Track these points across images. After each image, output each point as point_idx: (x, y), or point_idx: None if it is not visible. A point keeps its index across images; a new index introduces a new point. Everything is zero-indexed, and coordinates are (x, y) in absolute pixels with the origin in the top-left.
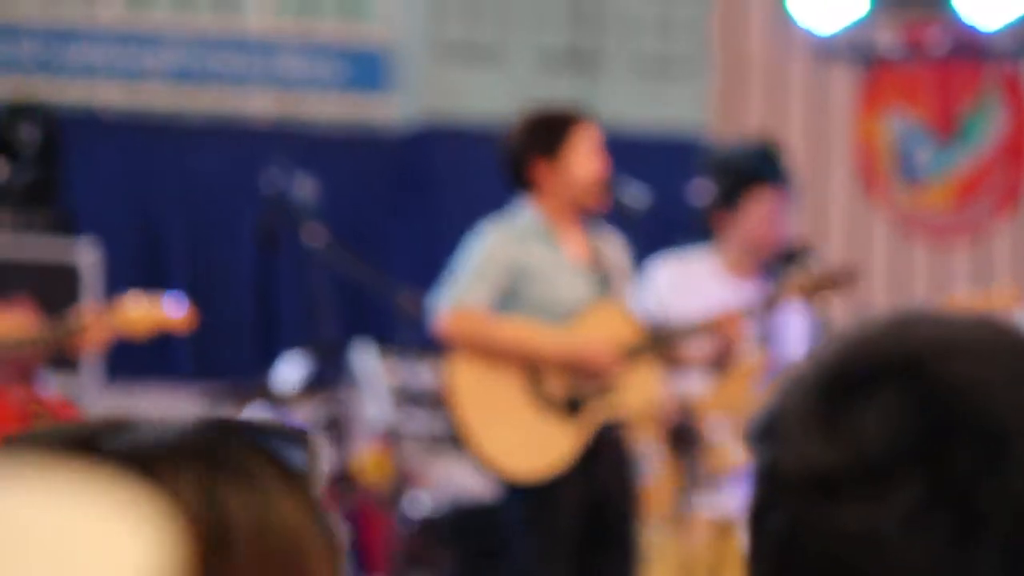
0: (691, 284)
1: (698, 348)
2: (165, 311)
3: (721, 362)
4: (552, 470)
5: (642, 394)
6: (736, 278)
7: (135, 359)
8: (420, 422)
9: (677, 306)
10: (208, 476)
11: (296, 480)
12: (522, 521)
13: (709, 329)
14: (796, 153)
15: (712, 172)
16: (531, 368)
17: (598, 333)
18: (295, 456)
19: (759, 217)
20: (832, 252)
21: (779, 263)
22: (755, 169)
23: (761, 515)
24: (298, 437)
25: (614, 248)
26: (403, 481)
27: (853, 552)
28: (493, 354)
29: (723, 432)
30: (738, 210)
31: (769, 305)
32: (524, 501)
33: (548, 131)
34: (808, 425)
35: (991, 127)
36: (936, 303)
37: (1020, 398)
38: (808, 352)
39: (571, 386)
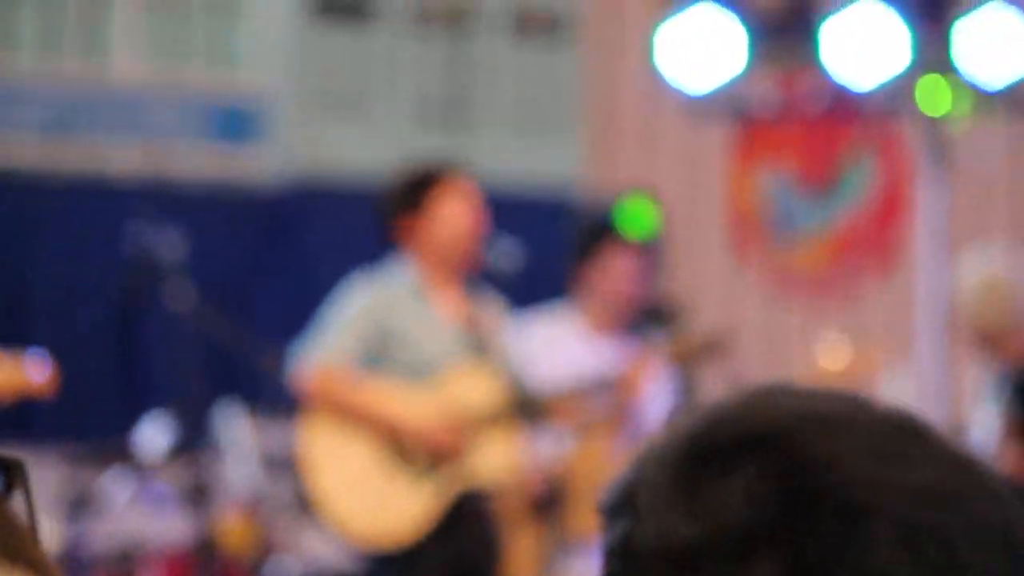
0: (556, 344)
1: (586, 407)
2: (26, 374)
3: (615, 420)
4: (405, 535)
5: (502, 460)
6: (599, 336)
7: None
8: (287, 487)
9: (545, 367)
10: None
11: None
12: None
13: (600, 388)
14: (669, 209)
15: (575, 228)
16: (388, 431)
17: (464, 398)
18: None
19: (616, 273)
20: (705, 309)
21: (644, 321)
22: (611, 225)
23: None
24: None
25: (492, 310)
26: (267, 549)
27: None
28: (350, 415)
29: (588, 496)
30: (596, 266)
31: (641, 367)
32: (387, 571)
33: (415, 187)
34: (666, 498)
35: (866, 184)
36: (804, 366)
37: (880, 474)
38: (666, 422)
39: (428, 452)
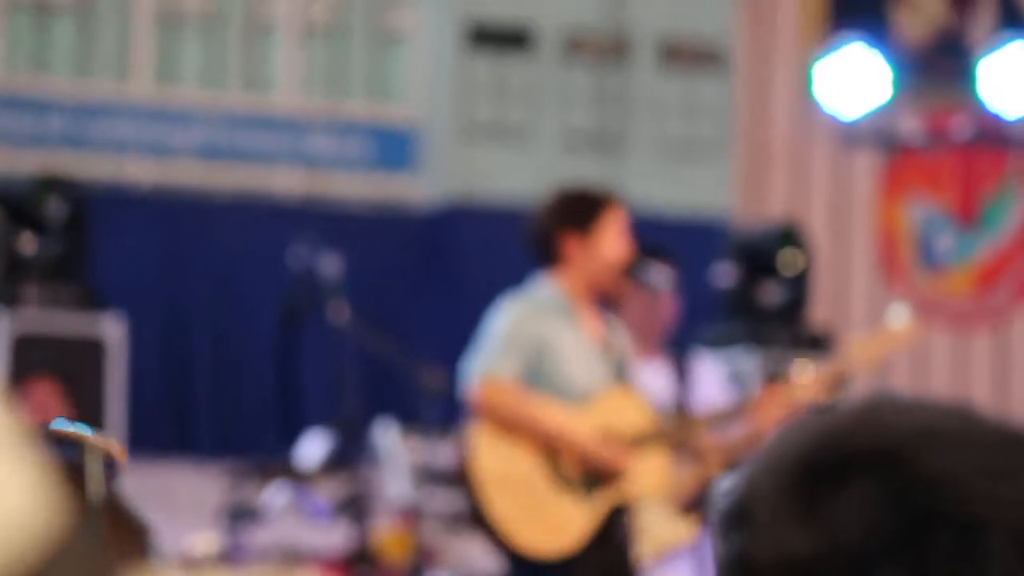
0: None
1: (725, 434)
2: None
3: (751, 446)
4: (565, 548)
5: (653, 480)
6: (642, 360)
7: (156, 434)
8: (441, 500)
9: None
10: None
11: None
12: None
13: (730, 416)
14: (818, 238)
15: (734, 255)
16: (549, 447)
17: (613, 419)
18: (69, 453)
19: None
20: (853, 338)
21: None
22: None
23: None
24: (68, 438)
25: (619, 334)
26: (423, 560)
27: None
28: (518, 429)
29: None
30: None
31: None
32: None
33: (582, 207)
34: (782, 512)
35: (1012, 214)
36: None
37: (996, 488)
38: (776, 436)
39: (585, 469)
